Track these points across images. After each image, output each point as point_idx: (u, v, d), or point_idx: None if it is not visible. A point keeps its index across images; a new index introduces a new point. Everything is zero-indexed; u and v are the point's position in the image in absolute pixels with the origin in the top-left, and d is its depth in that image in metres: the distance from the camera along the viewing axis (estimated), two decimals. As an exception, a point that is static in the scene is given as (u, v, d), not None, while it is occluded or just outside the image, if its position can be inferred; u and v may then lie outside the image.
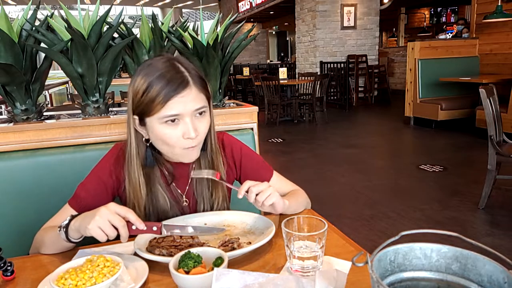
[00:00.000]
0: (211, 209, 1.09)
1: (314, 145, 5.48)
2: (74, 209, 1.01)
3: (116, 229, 0.82)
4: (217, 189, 1.08)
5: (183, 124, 0.92)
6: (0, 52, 1.29)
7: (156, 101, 0.89)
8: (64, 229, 0.86)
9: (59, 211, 1.03)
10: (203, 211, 1.08)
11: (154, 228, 0.86)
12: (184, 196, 1.09)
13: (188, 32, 1.57)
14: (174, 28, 1.69)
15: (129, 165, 1.00)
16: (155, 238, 0.94)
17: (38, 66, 1.42)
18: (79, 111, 1.55)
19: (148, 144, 1.00)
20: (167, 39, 1.63)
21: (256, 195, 0.92)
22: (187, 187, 1.09)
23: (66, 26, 1.32)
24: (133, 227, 0.84)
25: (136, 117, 0.96)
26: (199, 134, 0.94)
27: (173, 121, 0.91)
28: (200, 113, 0.95)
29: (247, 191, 0.93)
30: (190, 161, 1.01)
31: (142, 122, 0.96)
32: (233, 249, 0.87)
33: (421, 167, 4.18)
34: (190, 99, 0.91)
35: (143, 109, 0.92)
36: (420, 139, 5.65)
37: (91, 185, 1.03)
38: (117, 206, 0.83)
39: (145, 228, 0.85)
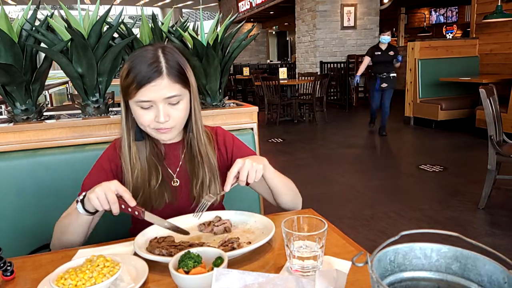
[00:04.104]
0: (201, 188, 1.12)
1: (314, 145, 5.48)
2: None
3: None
4: (206, 169, 1.12)
5: (156, 109, 1.00)
6: (0, 52, 1.29)
7: (131, 87, 0.98)
8: (81, 202, 0.96)
9: (71, 206, 1.07)
10: (195, 190, 1.12)
11: (136, 213, 0.94)
12: (175, 176, 1.13)
13: (188, 32, 1.58)
14: (174, 28, 1.69)
15: (122, 137, 1.08)
16: (155, 238, 0.94)
17: (38, 66, 1.42)
18: (79, 111, 1.55)
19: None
20: (167, 39, 1.63)
21: (237, 178, 0.98)
22: (178, 168, 1.14)
23: (66, 26, 1.32)
24: (122, 206, 0.93)
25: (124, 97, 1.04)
26: (170, 119, 1.01)
27: (147, 106, 0.99)
28: (174, 100, 1.01)
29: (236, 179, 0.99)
30: (162, 141, 1.11)
31: (126, 102, 1.04)
32: (233, 249, 0.87)
33: (421, 167, 4.18)
34: (161, 88, 0.98)
35: (124, 92, 1.01)
36: (420, 139, 5.65)
37: (94, 174, 1.10)
38: (118, 184, 0.93)
39: (133, 205, 0.93)
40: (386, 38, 5.59)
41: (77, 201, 0.97)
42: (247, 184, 1.00)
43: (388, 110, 5.77)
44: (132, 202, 0.93)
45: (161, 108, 0.99)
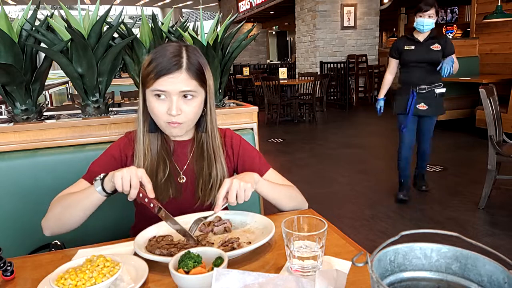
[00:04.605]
0: (210, 188, 1.12)
1: (314, 145, 5.48)
2: (88, 181, 1.08)
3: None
4: (216, 170, 1.13)
5: (169, 101, 1.02)
6: (0, 52, 1.29)
7: (150, 76, 1.01)
8: (101, 181, 0.97)
9: (73, 185, 1.09)
10: (201, 189, 1.12)
11: (151, 205, 0.95)
12: (181, 173, 1.14)
13: (188, 32, 1.58)
14: (174, 28, 1.69)
15: (138, 128, 1.11)
16: (154, 236, 0.94)
17: (38, 66, 1.42)
18: (79, 111, 1.55)
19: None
20: (167, 39, 1.63)
21: (227, 198, 0.97)
22: (186, 166, 1.15)
23: (66, 26, 1.32)
24: (140, 195, 0.94)
25: (142, 87, 1.07)
26: (182, 113, 1.03)
27: (161, 96, 1.02)
28: (189, 96, 1.03)
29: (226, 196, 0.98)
30: (172, 135, 1.11)
31: (144, 92, 1.06)
32: (233, 249, 0.87)
33: (421, 167, 4.18)
34: (179, 81, 1.00)
35: (143, 81, 1.04)
36: (420, 139, 5.65)
37: (103, 161, 1.12)
38: (145, 173, 0.95)
39: (151, 197, 0.94)
40: (427, 22, 2.93)
41: (95, 180, 0.99)
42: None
43: (429, 150, 3.34)
44: (152, 194, 0.94)
45: (174, 101, 1.01)
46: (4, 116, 1.56)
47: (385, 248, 0.60)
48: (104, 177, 0.98)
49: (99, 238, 1.07)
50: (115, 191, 0.97)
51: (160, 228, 0.99)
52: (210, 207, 1.13)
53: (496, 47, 5.94)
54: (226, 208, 1.21)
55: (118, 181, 0.92)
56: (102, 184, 0.97)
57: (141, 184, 0.94)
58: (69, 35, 1.31)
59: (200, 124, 1.12)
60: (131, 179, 0.92)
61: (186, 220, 1.03)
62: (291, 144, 5.62)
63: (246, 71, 9.92)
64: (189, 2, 19.60)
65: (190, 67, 1.01)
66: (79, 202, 1.00)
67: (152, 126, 1.10)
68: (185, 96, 1.03)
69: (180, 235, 0.95)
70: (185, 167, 1.15)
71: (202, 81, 1.05)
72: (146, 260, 0.84)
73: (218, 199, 0.96)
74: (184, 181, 1.14)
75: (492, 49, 5.99)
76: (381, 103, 3.38)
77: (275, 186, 1.11)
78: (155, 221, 1.00)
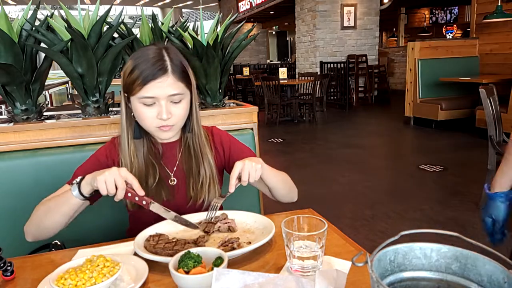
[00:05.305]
0: (201, 186, 1.12)
1: (314, 145, 5.48)
2: None
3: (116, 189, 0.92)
4: (204, 167, 1.14)
5: (159, 106, 1.02)
6: (0, 52, 1.29)
7: (136, 83, 0.99)
8: (78, 184, 0.95)
9: (57, 191, 1.07)
10: (192, 188, 1.13)
11: (144, 202, 0.94)
12: (172, 175, 1.14)
13: (188, 32, 1.58)
14: (174, 28, 1.69)
15: (121, 135, 1.10)
16: (150, 236, 0.94)
17: (38, 66, 1.42)
18: (79, 111, 1.55)
19: (136, 119, 1.08)
20: (167, 39, 1.63)
21: (239, 179, 1.00)
22: (175, 168, 1.15)
23: (66, 26, 1.32)
24: (129, 194, 0.93)
25: (125, 94, 1.05)
26: (172, 116, 1.03)
27: (150, 102, 1.01)
28: (177, 99, 1.03)
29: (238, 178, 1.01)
30: (164, 139, 1.12)
31: (128, 100, 1.05)
32: (233, 249, 0.87)
33: (421, 167, 4.18)
34: (166, 85, 1.00)
35: (127, 88, 1.02)
36: (420, 139, 5.65)
37: (88, 165, 1.11)
38: (127, 172, 0.93)
39: (142, 195, 0.93)
40: None
41: (72, 184, 0.96)
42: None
43: None
44: (141, 192, 0.93)
45: (163, 105, 1.01)
46: (4, 116, 1.56)
47: (385, 248, 0.60)
48: (82, 180, 0.95)
49: (99, 238, 1.07)
50: (94, 194, 0.95)
51: (160, 228, 0.99)
52: (203, 206, 1.13)
53: (496, 47, 5.93)
54: (221, 208, 1.22)
55: (101, 185, 0.90)
56: (79, 188, 0.95)
57: (127, 184, 0.93)
58: (69, 35, 1.31)
59: (186, 124, 1.12)
60: (115, 181, 0.90)
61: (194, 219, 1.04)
62: (291, 144, 5.62)
63: (246, 71, 9.92)
64: (189, 2, 19.60)
65: (175, 70, 1.01)
66: (57, 207, 0.98)
67: (137, 133, 1.10)
68: (173, 99, 1.02)
69: (182, 225, 0.97)
70: (175, 168, 1.15)
71: (188, 82, 1.05)
72: (146, 260, 0.84)
73: (232, 179, 0.99)
74: (175, 183, 1.14)
75: (492, 49, 5.98)
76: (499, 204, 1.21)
77: (276, 171, 1.14)
78: (149, 224, 1.00)
